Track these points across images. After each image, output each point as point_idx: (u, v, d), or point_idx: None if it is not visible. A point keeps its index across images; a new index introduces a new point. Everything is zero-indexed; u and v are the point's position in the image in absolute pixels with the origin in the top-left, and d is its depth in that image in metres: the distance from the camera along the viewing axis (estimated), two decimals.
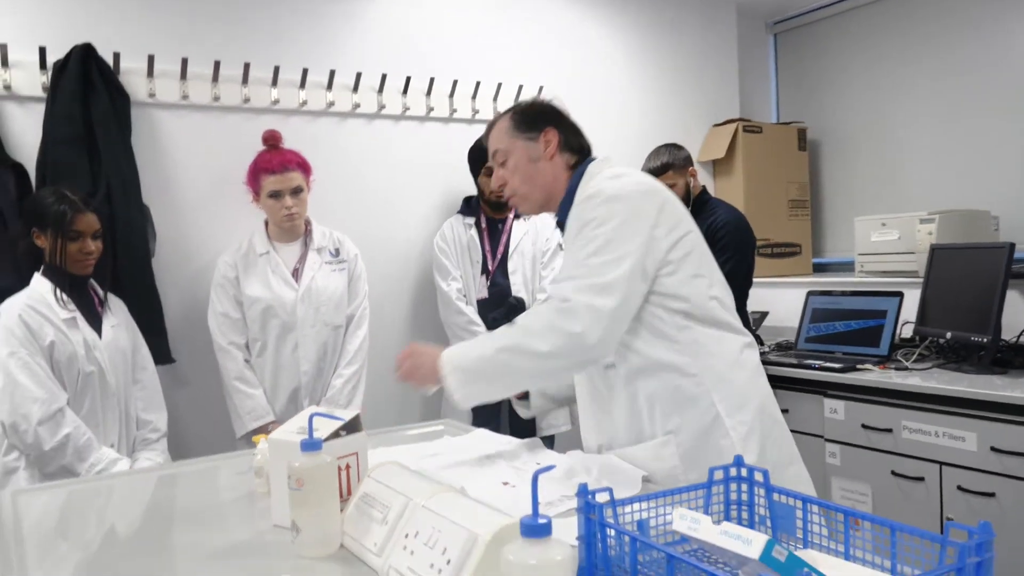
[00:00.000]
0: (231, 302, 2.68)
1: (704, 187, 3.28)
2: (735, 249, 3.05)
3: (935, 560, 1.03)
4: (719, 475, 1.29)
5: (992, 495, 2.44)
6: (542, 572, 0.82)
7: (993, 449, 2.43)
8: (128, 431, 2.33)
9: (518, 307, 3.12)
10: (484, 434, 2.01)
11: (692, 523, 1.00)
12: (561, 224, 1.73)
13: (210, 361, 2.75)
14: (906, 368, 2.87)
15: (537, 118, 1.73)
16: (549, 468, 0.88)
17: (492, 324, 3.10)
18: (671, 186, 3.08)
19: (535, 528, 0.83)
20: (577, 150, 1.75)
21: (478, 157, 3.13)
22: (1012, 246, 2.71)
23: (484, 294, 3.15)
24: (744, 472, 1.29)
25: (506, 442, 1.91)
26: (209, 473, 1.86)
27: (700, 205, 3.19)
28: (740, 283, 3.03)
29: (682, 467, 1.56)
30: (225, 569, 1.23)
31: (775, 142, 4.25)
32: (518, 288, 3.14)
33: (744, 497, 1.29)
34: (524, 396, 1.90)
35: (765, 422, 1.61)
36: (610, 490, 1.16)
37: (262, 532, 1.39)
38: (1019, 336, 2.84)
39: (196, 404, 2.91)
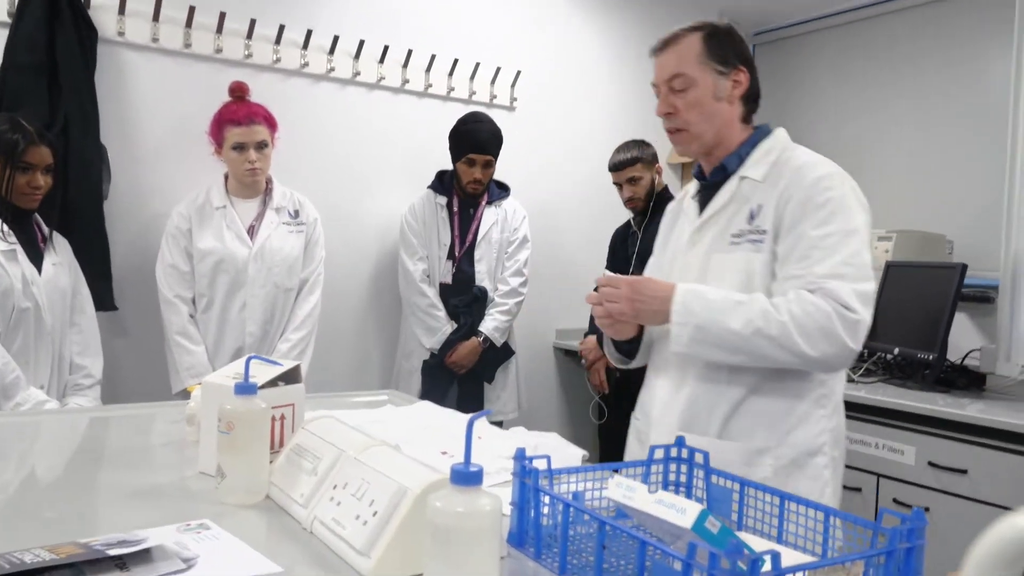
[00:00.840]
0: (181, 254, 2.61)
1: (667, 186, 3.29)
2: None
3: (868, 547, 1.02)
4: (659, 454, 1.28)
5: (927, 509, 2.47)
6: (468, 520, 0.79)
7: (930, 464, 2.46)
8: (60, 374, 2.24)
9: (481, 298, 3.09)
10: (428, 406, 1.98)
11: (627, 491, 0.98)
12: (717, 176, 1.60)
13: (153, 312, 2.67)
14: (853, 380, 2.90)
15: (734, 51, 1.57)
16: (485, 413, 0.84)
17: (454, 310, 3.07)
18: (638, 179, 3.13)
19: (465, 476, 0.80)
20: (754, 100, 1.61)
21: (463, 141, 3.06)
22: (964, 267, 2.75)
23: (448, 279, 3.10)
24: (684, 453, 1.27)
25: (449, 415, 1.87)
26: (141, 419, 1.80)
27: (660, 203, 3.20)
28: None
29: (774, 481, 1.43)
30: (143, 510, 1.17)
31: None
32: (482, 276, 3.11)
33: (683, 479, 1.27)
34: (627, 344, 1.71)
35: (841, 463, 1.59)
36: (548, 458, 1.14)
37: (187, 477, 1.34)
38: (964, 357, 2.89)
39: (134, 355, 2.83)
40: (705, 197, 1.63)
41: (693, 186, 1.70)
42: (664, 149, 4.10)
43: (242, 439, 1.18)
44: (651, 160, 3.20)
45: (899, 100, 3.94)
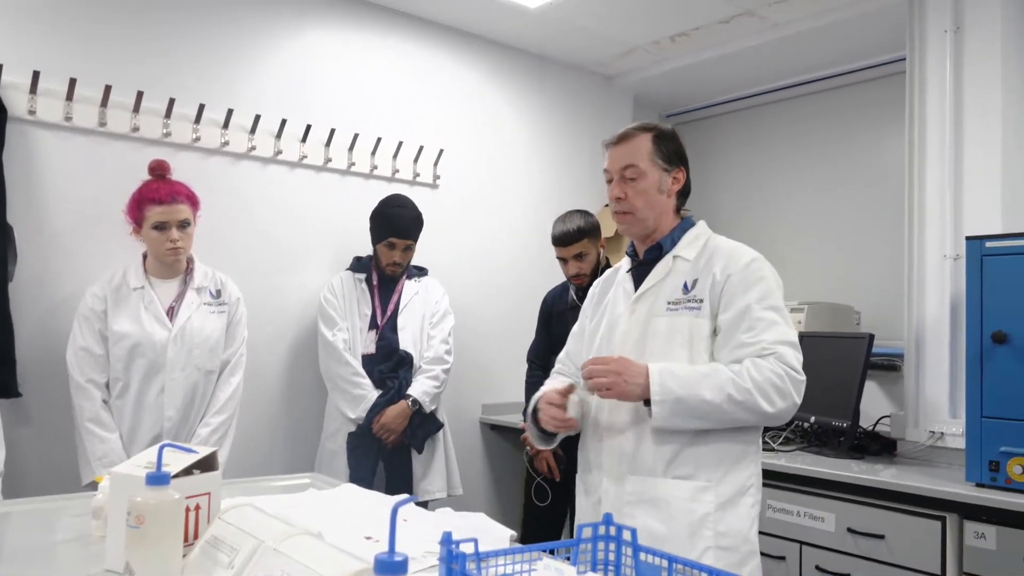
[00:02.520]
0: (95, 337, 2.50)
1: (608, 259, 3.27)
2: None
3: None
4: (587, 532, 1.26)
5: (847, 575, 2.50)
6: None
7: (849, 530, 2.51)
8: None
9: (408, 360, 3.05)
10: (352, 489, 1.92)
11: (556, 574, 0.96)
12: (652, 255, 1.83)
13: (61, 399, 2.54)
14: (773, 449, 2.96)
15: (677, 154, 1.83)
16: (409, 500, 0.82)
17: (379, 376, 3.01)
18: (585, 255, 2.98)
19: (389, 565, 0.78)
20: (686, 195, 1.87)
21: (384, 225, 3.05)
22: (871, 337, 2.88)
23: (371, 349, 3.05)
24: (612, 531, 1.26)
25: (374, 498, 1.82)
26: (45, 513, 1.69)
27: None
28: None
29: (714, 518, 1.68)
30: None
31: None
32: (406, 344, 3.08)
33: (611, 556, 1.26)
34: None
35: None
36: (475, 541, 1.11)
37: None
38: (875, 424, 2.99)
39: (40, 446, 2.67)
40: (640, 273, 1.85)
41: (626, 263, 1.93)
42: None
43: (153, 533, 1.12)
44: (596, 234, 3.03)
45: (805, 179, 4.15)
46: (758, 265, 1.74)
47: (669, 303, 1.76)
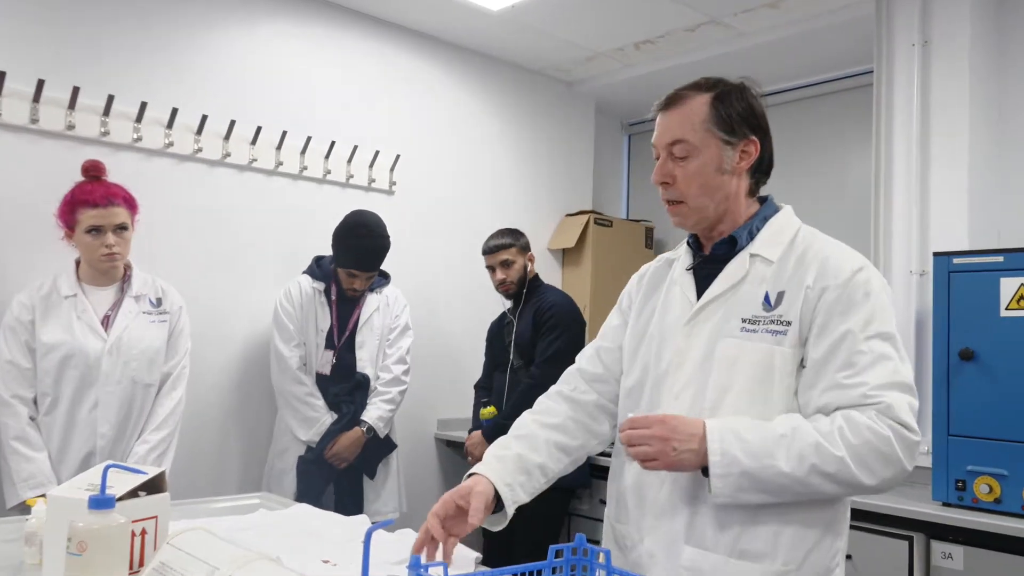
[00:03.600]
0: (21, 349, 2.41)
1: (538, 274, 3.40)
2: (563, 328, 3.15)
3: None
4: (560, 554, 1.25)
5: None
6: None
7: None
8: None
9: (364, 385, 3.01)
10: (305, 509, 1.88)
11: None
12: (722, 249, 1.47)
13: None
14: None
15: (745, 118, 1.44)
16: (387, 523, 0.80)
17: (335, 400, 2.97)
18: (510, 263, 3.26)
19: None
20: (765, 172, 1.50)
21: (347, 255, 2.96)
22: None
23: (326, 370, 3.00)
24: (586, 552, 1.26)
25: (329, 519, 1.79)
26: None
27: (532, 290, 3.32)
28: (570, 364, 3.10)
29: None
30: None
31: (624, 237, 4.44)
32: (364, 364, 3.03)
33: None
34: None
35: None
36: (444, 566, 1.10)
37: None
38: None
39: None
40: (705, 273, 1.48)
41: (686, 256, 1.54)
42: (542, 239, 4.23)
43: (96, 561, 1.07)
44: (524, 247, 3.34)
45: (769, 192, 4.23)
46: (866, 276, 1.36)
47: (745, 320, 1.39)
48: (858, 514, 2.47)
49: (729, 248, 1.46)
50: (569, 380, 1.65)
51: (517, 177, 4.22)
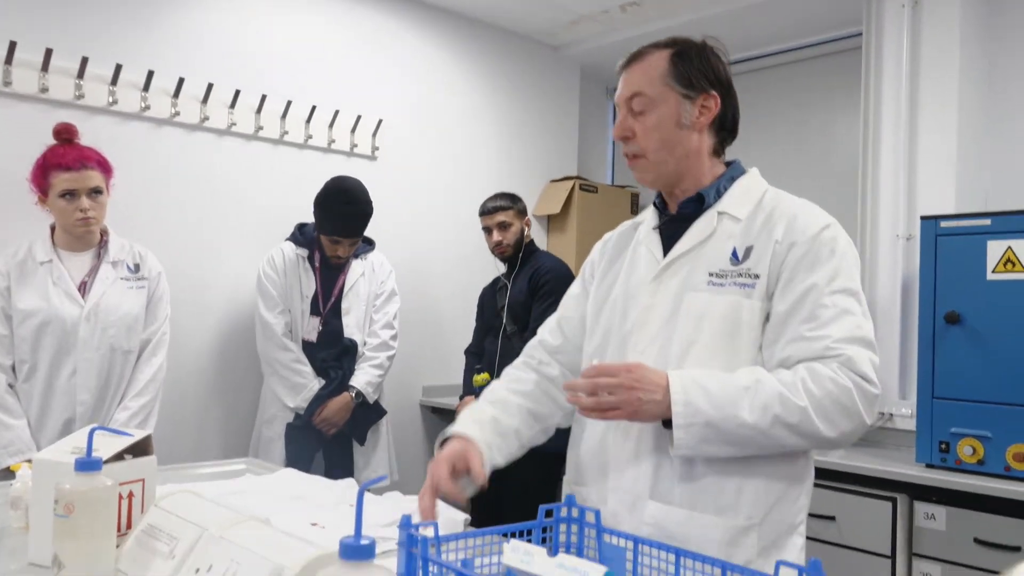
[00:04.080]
0: None
1: (532, 239, 3.39)
2: (559, 294, 3.10)
3: None
4: (549, 514, 1.27)
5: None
6: None
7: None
8: None
9: (352, 349, 3.01)
10: (293, 474, 1.89)
11: (524, 556, 0.96)
12: (689, 208, 1.47)
13: None
14: None
15: (704, 72, 1.44)
16: (381, 479, 0.81)
17: (322, 365, 2.97)
18: (507, 225, 3.26)
19: (356, 550, 0.76)
20: (728, 130, 1.50)
21: (330, 222, 2.95)
22: None
23: (312, 336, 2.99)
24: (575, 512, 1.27)
25: (316, 483, 1.80)
26: None
27: (528, 254, 3.31)
28: None
29: (756, 567, 1.32)
30: None
31: (609, 203, 4.44)
32: (351, 331, 3.02)
33: (574, 539, 1.27)
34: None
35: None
36: (435, 524, 1.11)
37: (15, 571, 1.21)
38: None
39: None
40: (672, 231, 1.49)
41: (652, 216, 1.55)
42: (527, 206, 4.22)
43: (84, 523, 1.08)
44: (521, 211, 3.34)
45: (754, 155, 4.21)
46: (832, 234, 1.37)
47: (712, 274, 1.40)
48: (841, 475, 2.52)
49: (696, 206, 1.47)
50: (533, 352, 1.67)
51: (501, 142, 4.19)
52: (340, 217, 2.94)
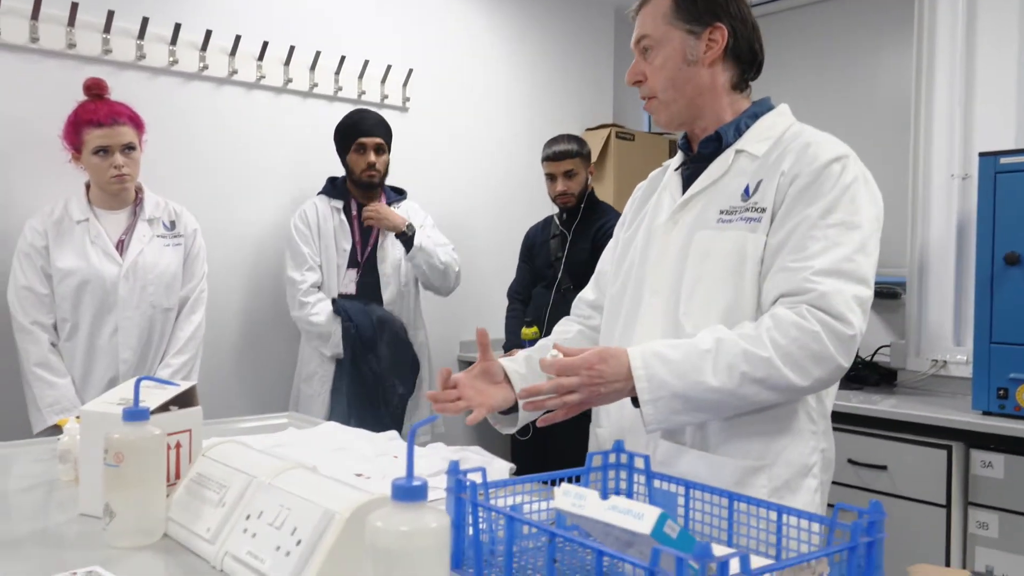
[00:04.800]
0: (37, 275, 2.43)
1: (593, 189, 3.31)
2: None
3: (822, 546, 1.04)
4: (597, 460, 1.27)
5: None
6: (414, 540, 0.75)
7: (850, 461, 2.57)
8: None
9: (388, 322, 2.99)
10: (334, 427, 1.92)
11: (576, 499, 0.96)
12: (708, 147, 1.46)
13: (6, 342, 2.47)
14: None
15: (709, 6, 1.42)
16: (431, 419, 0.81)
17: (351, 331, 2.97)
18: (574, 174, 3.13)
19: (408, 491, 0.76)
20: (748, 62, 1.46)
21: (349, 131, 3.01)
22: None
23: (350, 289, 3.00)
24: (624, 458, 1.27)
25: (358, 435, 1.82)
26: None
27: (591, 205, 3.22)
28: None
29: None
30: (15, 561, 1.07)
31: (646, 151, 4.37)
32: (388, 280, 3.04)
33: (623, 485, 1.27)
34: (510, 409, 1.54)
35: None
36: (483, 470, 1.11)
37: (65, 522, 1.24)
38: (874, 353, 3.04)
39: None
40: (692, 171, 1.49)
41: (677, 159, 1.56)
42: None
43: (134, 472, 1.10)
44: (587, 158, 3.21)
45: (801, 93, 4.13)
46: (840, 167, 1.33)
47: (722, 212, 1.39)
48: (893, 424, 2.49)
49: (716, 146, 1.46)
50: (576, 308, 1.73)
51: (535, 90, 4.14)
52: (357, 122, 3.01)
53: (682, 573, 0.78)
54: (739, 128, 1.45)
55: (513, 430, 1.59)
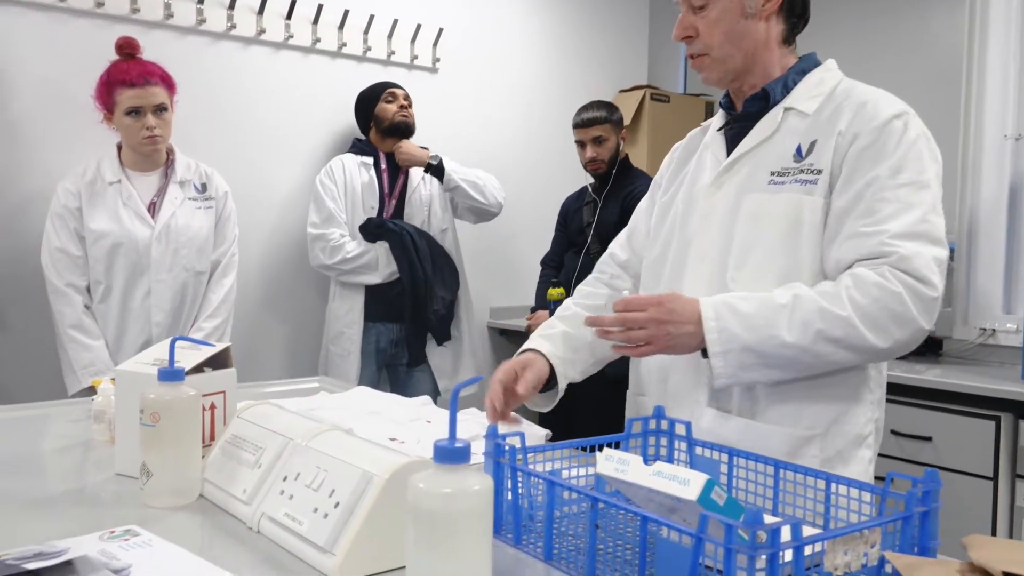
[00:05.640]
0: (71, 236, 2.45)
1: (627, 155, 3.29)
2: None
3: (874, 515, 1.02)
4: (637, 427, 1.25)
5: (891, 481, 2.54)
6: (457, 502, 0.74)
7: (893, 432, 2.53)
8: None
9: (424, 232, 3.02)
10: (366, 391, 1.92)
11: (619, 465, 0.95)
12: (754, 106, 1.41)
13: (39, 304, 2.51)
14: None
15: None
16: (474, 380, 0.80)
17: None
18: (604, 139, 3.13)
19: (451, 452, 0.75)
20: (799, 16, 1.41)
21: (375, 88, 3.08)
22: None
23: None
24: (664, 425, 1.25)
25: (391, 400, 1.82)
26: (32, 421, 1.68)
27: (623, 171, 3.20)
28: None
29: None
30: (54, 520, 1.08)
31: (681, 113, 4.30)
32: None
33: (663, 452, 1.26)
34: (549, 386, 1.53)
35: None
36: (522, 435, 1.10)
37: (102, 481, 1.25)
38: None
39: (19, 354, 2.66)
40: (737, 131, 1.43)
41: (718, 118, 1.51)
42: None
43: (170, 432, 1.10)
44: (618, 123, 3.20)
45: (846, 51, 4.02)
46: (903, 122, 1.28)
47: (774, 173, 1.33)
48: (938, 394, 2.45)
49: (762, 104, 1.41)
50: (604, 267, 1.68)
51: (566, 50, 4.08)
52: (380, 83, 3.12)
53: (731, 540, 0.76)
54: (787, 85, 1.40)
55: (549, 407, 1.56)
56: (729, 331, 1.25)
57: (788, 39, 1.42)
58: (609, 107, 3.20)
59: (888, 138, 1.27)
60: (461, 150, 3.63)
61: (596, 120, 3.12)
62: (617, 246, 1.67)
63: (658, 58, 4.59)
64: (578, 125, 3.18)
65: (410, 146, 3.03)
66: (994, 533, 2.34)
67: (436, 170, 3.02)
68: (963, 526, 2.34)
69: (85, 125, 2.60)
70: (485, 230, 3.73)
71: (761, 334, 1.24)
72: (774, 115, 1.38)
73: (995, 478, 2.33)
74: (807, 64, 1.42)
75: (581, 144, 3.18)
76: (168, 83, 2.49)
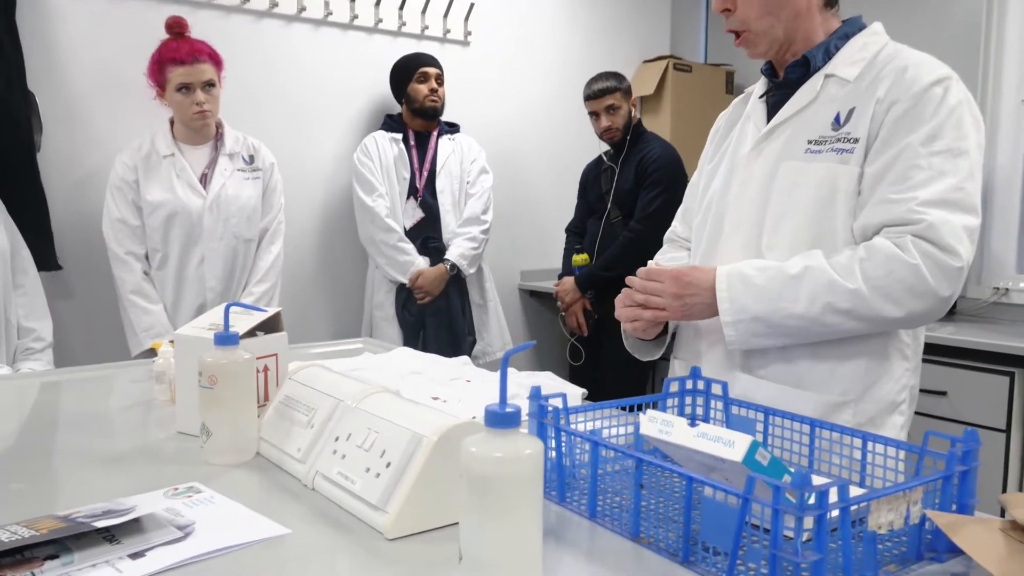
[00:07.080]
0: (129, 207, 2.43)
1: (640, 119, 3.21)
2: (667, 185, 2.99)
3: (911, 474, 0.98)
4: (674, 387, 1.21)
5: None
6: (508, 466, 0.70)
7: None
8: (8, 339, 2.08)
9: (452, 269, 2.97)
10: (408, 352, 1.89)
11: (663, 426, 0.91)
12: (795, 73, 1.32)
13: (102, 271, 2.50)
14: None
15: None
16: (527, 345, 0.75)
17: (423, 245, 2.97)
18: (616, 108, 3.06)
19: (502, 417, 0.71)
20: None
21: (410, 62, 3.02)
22: None
23: (411, 221, 2.98)
24: (700, 384, 1.21)
25: (432, 360, 1.79)
26: (99, 381, 1.66)
27: (636, 136, 3.13)
28: (670, 223, 3.00)
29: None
30: (120, 477, 1.06)
31: (704, 83, 4.18)
32: (446, 208, 2.99)
33: (699, 411, 1.21)
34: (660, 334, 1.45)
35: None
36: (564, 396, 1.06)
37: (165, 439, 1.23)
38: None
39: (83, 318, 2.66)
40: (778, 98, 1.35)
41: (760, 85, 1.42)
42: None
43: (227, 393, 1.08)
44: (628, 91, 3.13)
45: (864, 15, 3.88)
46: (943, 88, 1.19)
47: (811, 142, 1.25)
48: (953, 351, 2.37)
49: (803, 71, 1.32)
50: (671, 236, 1.63)
51: (592, 22, 3.97)
52: (419, 55, 3.07)
53: (779, 502, 0.72)
54: (828, 51, 1.30)
55: (657, 355, 1.49)
56: (739, 302, 1.23)
57: (830, 1, 1.32)
58: (617, 76, 3.12)
59: (926, 104, 1.19)
60: (492, 120, 3.56)
61: (607, 90, 3.05)
62: (677, 221, 1.63)
63: (680, 28, 4.46)
64: (590, 97, 3.10)
65: (425, 281, 2.92)
66: (1006, 482, 2.28)
67: (456, 271, 2.98)
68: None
69: (139, 102, 2.57)
70: (514, 198, 3.67)
71: (771, 306, 1.21)
72: (814, 82, 1.30)
73: (1007, 431, 2.27)
74: (851, 28, 1.32)
75: (595, 115, 3.11)
76: (216, 60, 2.45)
